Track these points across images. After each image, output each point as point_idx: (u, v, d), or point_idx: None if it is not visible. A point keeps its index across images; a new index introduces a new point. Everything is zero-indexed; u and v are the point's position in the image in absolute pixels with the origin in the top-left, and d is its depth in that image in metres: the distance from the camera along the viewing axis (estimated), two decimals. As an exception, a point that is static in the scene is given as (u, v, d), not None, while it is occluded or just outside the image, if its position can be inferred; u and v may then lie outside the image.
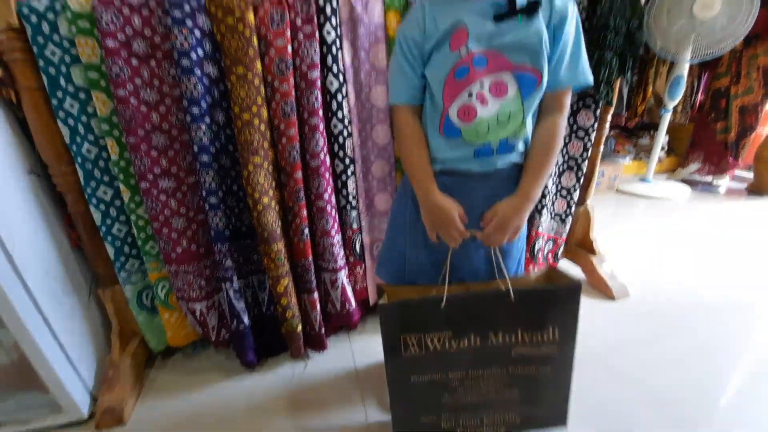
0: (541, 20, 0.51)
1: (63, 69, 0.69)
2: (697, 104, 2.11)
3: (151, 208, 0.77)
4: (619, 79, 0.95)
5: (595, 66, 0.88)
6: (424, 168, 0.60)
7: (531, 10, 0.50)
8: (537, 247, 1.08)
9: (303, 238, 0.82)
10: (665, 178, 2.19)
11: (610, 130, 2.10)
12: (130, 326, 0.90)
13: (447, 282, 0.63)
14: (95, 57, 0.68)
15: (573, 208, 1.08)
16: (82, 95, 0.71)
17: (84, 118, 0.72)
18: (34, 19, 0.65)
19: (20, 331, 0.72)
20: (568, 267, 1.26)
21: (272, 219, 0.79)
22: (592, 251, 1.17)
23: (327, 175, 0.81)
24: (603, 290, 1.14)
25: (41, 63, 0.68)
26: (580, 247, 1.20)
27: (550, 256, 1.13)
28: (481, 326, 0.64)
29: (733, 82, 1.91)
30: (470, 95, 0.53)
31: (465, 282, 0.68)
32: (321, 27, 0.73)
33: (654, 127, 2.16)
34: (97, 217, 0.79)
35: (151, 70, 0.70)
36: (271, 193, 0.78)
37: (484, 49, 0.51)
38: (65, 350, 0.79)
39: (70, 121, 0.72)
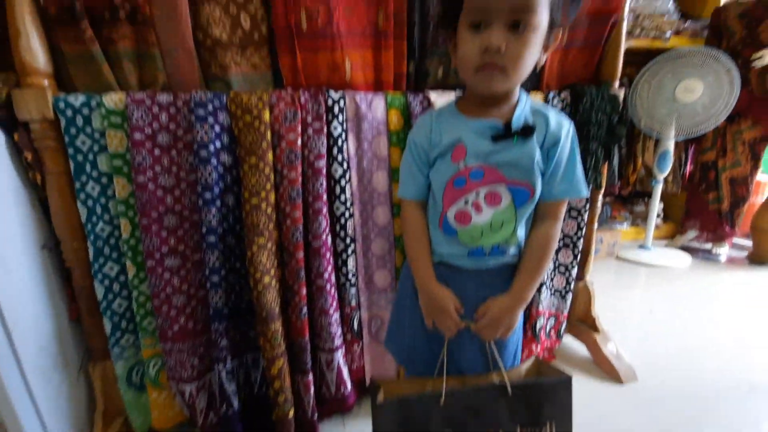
0: (534, 142, 0.55)
1: (90, 157, 0.75)
2: (687, 175, 2.19)
3: (154, 285, 0.78)
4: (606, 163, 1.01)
5: (582, 155, 0.95)
6: (423, 259, 0.64)
7: (526, 133, 0.54)
8: (539, 325, 1.07)
9: (301, 317, 0.83)
10: (665, 244, 2.21)
11: (605, 198, 2.17)
12: (114, 406, 0.86)
13: (445, 372, 0.62)
14: (122, 147, 0.74)
15: (572, 284, 1.09)
16: (104, 180, 0.76)
17: (103, 200, 0.77)
18: (69, 113, 0.72)
19: (8, 412, 0.70)
20: (572, 344, 1.23)
21: (272, 298, 0.80)
22: (595, 329, 1.15)
23: (328, 255, 0.84)
24: (609, 372, 1.10)
25: (70, 151, 0.74)
26: (583, 323, 1.18)
27: (552, 333, 1.11)
28: (481, 425, 0.62)
29: (719, 155, 2.01)
30: (466, 202, 0.58)
31: (462, 372, 0.67)
32: (329, 123, 0.80)
33: (648, 194, 2.22)
34: (99, 292, 0.80)
35: (171, 158, 0.76)
36: (272, 272, 0.80)
37: (480, 164, 0.56)
38: (46, 433, 0.76)
39: (90, 203, 0.76)
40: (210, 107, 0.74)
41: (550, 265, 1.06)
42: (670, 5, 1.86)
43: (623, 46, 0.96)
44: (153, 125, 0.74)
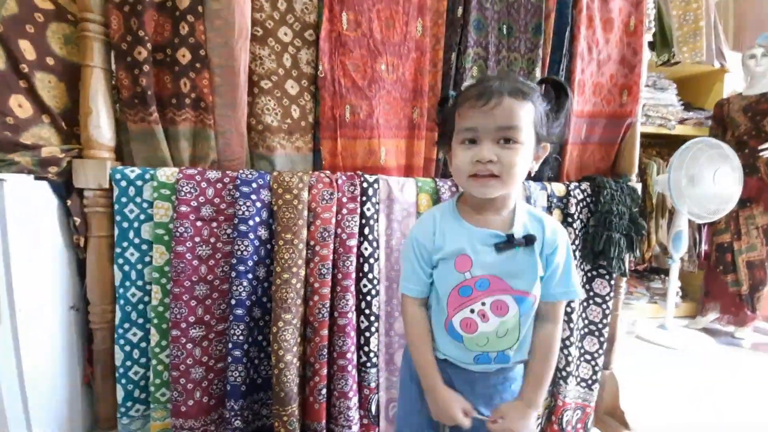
0: (536, 251, 0.58)
1: (135, 225, 0.78)
2: (704, 255, 2.18)
3: (175, 356, 0.77)
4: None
5: (605, 244, 0.97)
6: (428, 362, 0.62)
7: (527, 242, 0.57)
8: (565, 419, 1.01)
9: (319, 399, 0.80)
10: (685, 324, 2.13)
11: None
12: (113, 485, 0.81)
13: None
14: (166, 217, 0.78)
15: (599, 374, 1.05)
16: (144, 247, 0.79)
17: (139, 266, 0.79)
18: (123, 183, 0.77)
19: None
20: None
21: (292, 377, 0.78)
22: (625, 425, 1.08)
23: (352, 333, 0.83)
24: (640, 477, 1.01)
25: (118, 218, 0.78)
26: (610, 416, 1.11)
27: (579, 426, 1.05)
28: None
29: (734, 238, 2.01)
30: (472, 311, 0.58)
31: None
32: (363, 204, 0.84)
33: (664, 271, 2.20)
34: (119, 357, 0.79)
35: (211, 230, 0.79)
36: (295, 349, 0.79)
37: (486, 274, 0.57)
38: None
39: (126, 268, 0.79)
40: (254, 185, 0.79)
41: (576, 353, 1.03)
42: (674, 97, 2.00)
43: (638, 144, 1.03)
44: (199, 198, 0.78)
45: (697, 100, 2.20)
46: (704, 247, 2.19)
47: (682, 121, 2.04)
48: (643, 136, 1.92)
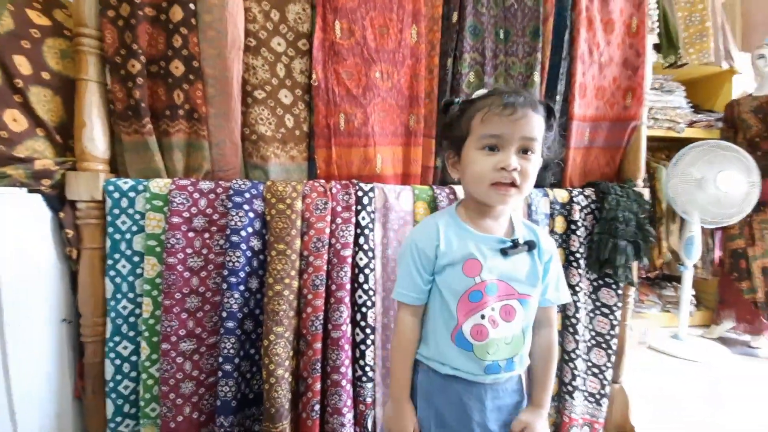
0: (536, 255, 0.61)
1: (127, 236, 0.78)
2: (717, 261, 2.11)
3: (165, 370, 0.75)
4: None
5: (611, 252, 0.93)
6: (405, 374, 0.63)
7: (529, 248, 0.60)
8: (571, 437, 0.96)
9: (312, 416, 0.77)
10: (699, 334, 2.05)
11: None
12: (101, 504, 0.78)
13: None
14: (158, 228, 0.77)
15: (607, 388, 1.00)
16: (135, 259, 0.78)
17: (130, 279, 0.78)
18: (116, 195, 0.77)
19: None
20: (608, 458, 1.08)
21: (283, 392, 0.75)
22: (635, 443, 1.02)
23: (346, 347, 0.80)
24: (655, 500, 0.96)
25: (110, 230, 0.77)
26: (620, 434, 1.05)
27: (586, 444, 0.99)
28: None
29: (748, 244, 1.94)
30: (483, 317, 0.58)
31: None
32: (358, 213, 0.82)
33: (676, 279, 2.12)
34: (109, 370, 0.78)
35: (203, 241, 0.78)
36: (287, 363, 0.77)
37: (495, 279, 0.58)
38: None
39: (117, 280, 0.78)
40: (247, 195, 0.78)
41: (583, 366, 0.99)
42: (682, 99, 1.95)
43: (644, 148, 1.00)
44: (191, 209, 0.77)
45: (706, 103, 2.15)
46: (717, 253, 2.11)
47: (691, 124, 1.99)
48: (652, 139, 1.87)
